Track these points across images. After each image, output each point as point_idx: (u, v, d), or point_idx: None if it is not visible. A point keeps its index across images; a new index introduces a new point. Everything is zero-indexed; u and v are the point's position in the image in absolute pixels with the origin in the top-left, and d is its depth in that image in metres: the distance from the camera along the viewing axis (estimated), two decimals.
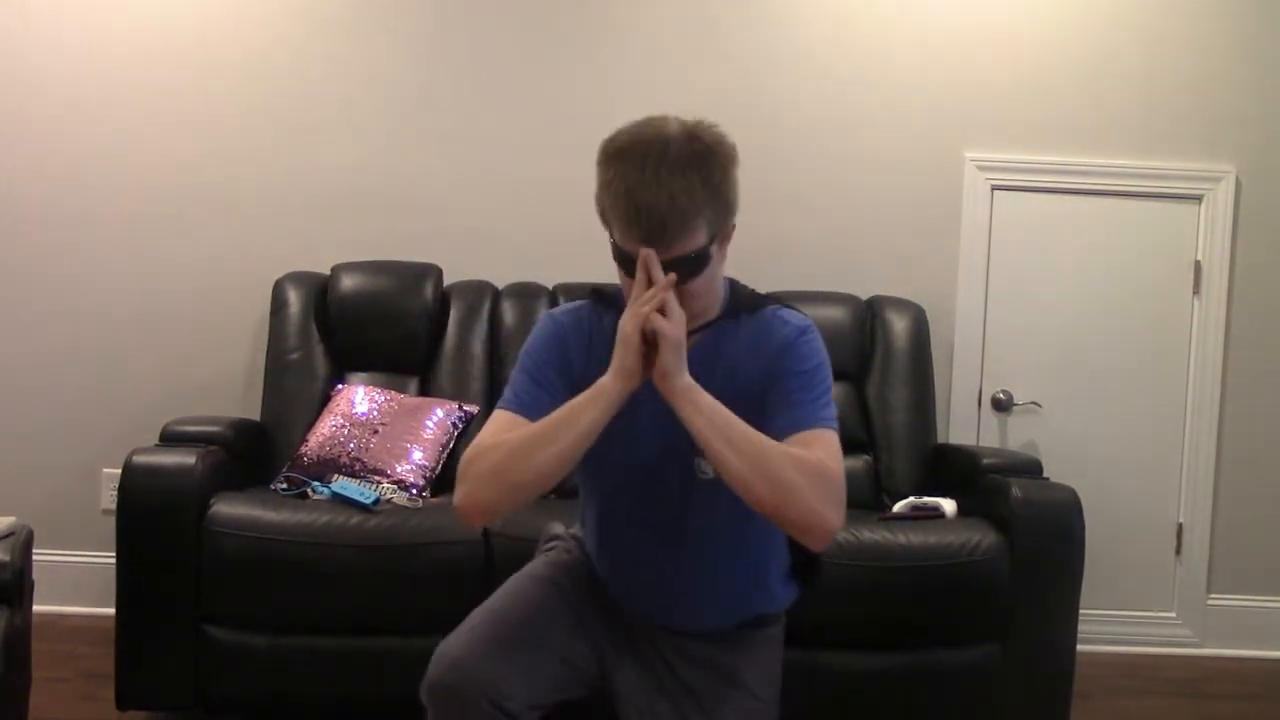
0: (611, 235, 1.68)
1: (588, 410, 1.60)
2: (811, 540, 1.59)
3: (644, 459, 1.73)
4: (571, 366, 1.75)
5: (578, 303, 1.85)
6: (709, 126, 1.65)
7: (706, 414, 1.58)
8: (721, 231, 1.66)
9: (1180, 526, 3.77)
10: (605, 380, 1.61)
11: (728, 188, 1.64)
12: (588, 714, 1.88)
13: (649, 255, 1.60)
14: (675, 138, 1.60)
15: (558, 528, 2.05)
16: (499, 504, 1.64)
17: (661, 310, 1.58)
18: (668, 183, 1.57)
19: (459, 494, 1.63)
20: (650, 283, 1.60)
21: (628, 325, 1.60)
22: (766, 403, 1.67)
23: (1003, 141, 3.73)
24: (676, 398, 1.59)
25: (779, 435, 1.62)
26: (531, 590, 1.82)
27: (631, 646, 1.84)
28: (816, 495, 1.54)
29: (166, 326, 3.62)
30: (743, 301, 1.78)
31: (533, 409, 1.69)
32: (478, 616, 1.74)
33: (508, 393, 1.75)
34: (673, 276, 1.60)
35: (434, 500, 2.94)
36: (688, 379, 1.59)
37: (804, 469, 1.55)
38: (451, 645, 1.68)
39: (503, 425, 1.68)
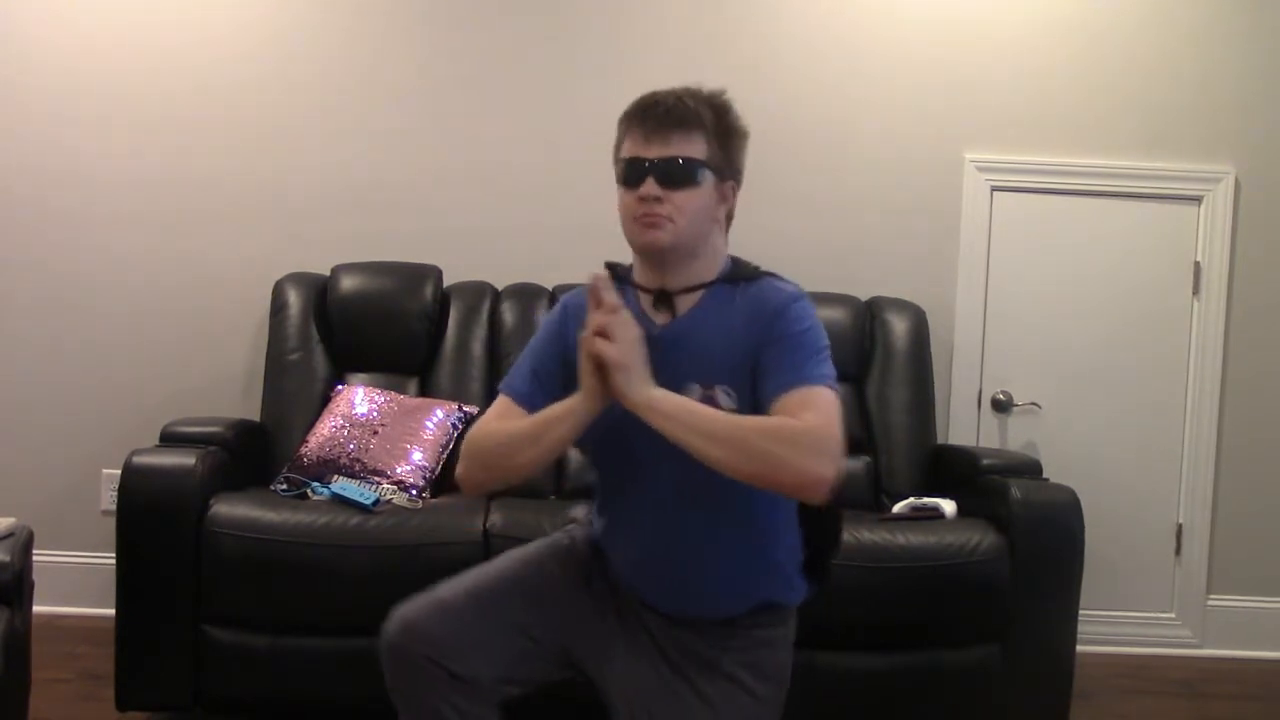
0: (620, 156, 1.77)
1: (560, 425, 1.68)
2: (809, 496, 1.59)
3: (635, 419, 1.74)
4: (570, 352, 1.77)
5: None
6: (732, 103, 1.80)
7: (674, 416, 1.61)
8: (722, 174, 1.75)
9: (1180, 527, 3.77)
10: (576, 399, 1.67)
11: (735, 138, 1.77)
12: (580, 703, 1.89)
13: (599, 279, 1.65)
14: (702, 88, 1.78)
15: (578, 511, 2.09)
16: (490, 484, 1.82)
17: (608, 334, 1.61)
18: (681, 92, 1.74)
19: (460, 468, 1.78)
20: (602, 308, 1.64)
21: (584, 346, 1.64)
22: (760, 368, 1.69)
23: (1002, 142, 3.73)
24: (641, 412, 1.62)
25: (773, 396, 1.64)
26: (510, 567, 1.89)
27: (629, 638, 1.84)
28: (798, 454, 1.55)
29: (167, 327, 3.62)
30: (742, 272, 1.81)
31: (528, 400, 1.79)
32: (444, 584, 1.83)
33: (513, 374, 1.85)
34: (619, 304, 1.65)
35: (433, 501, 2.94)
36: (645, 393, 1.62)
37: (779, 436, 1.57)
38: (406, 607, 1.79)
39: (500, 411, 1.80)
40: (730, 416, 1.63)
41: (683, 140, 1.70)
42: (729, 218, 1.82)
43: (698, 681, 1.80)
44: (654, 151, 1.70)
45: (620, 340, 1.61)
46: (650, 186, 1.69)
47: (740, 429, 1.59)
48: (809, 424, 1.58)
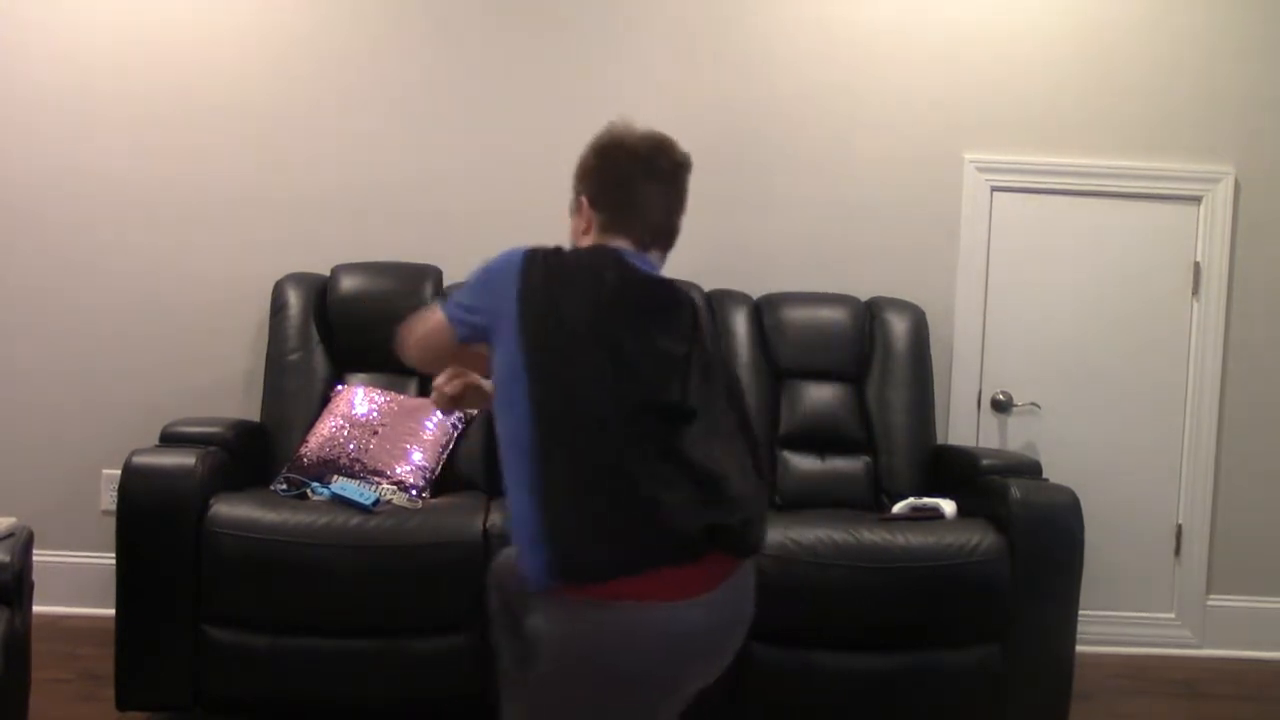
0: None
1: None
2: None
3: None
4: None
5: None
6: (633, 132, 2.00)
7: None
8: (575, 198, 2.06)
9: (1179, 528, 3.77)
10: None
11: (579, 168, 2.05)
12: None
13: None
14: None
15: None
16: None
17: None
18: None
19: None
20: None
21: None
22: None
23: (1002, 142, 3.73)
24: None
25: None
26: None
27: None
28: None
29: (167, 328, 3.62)
30: None
31: None
32: None
33: None
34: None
35: (433, 501, 2.94)
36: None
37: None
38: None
39: None
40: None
41: None
42: (591, 224, 2.04)
43: None
44: None
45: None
46: None
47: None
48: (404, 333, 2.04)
